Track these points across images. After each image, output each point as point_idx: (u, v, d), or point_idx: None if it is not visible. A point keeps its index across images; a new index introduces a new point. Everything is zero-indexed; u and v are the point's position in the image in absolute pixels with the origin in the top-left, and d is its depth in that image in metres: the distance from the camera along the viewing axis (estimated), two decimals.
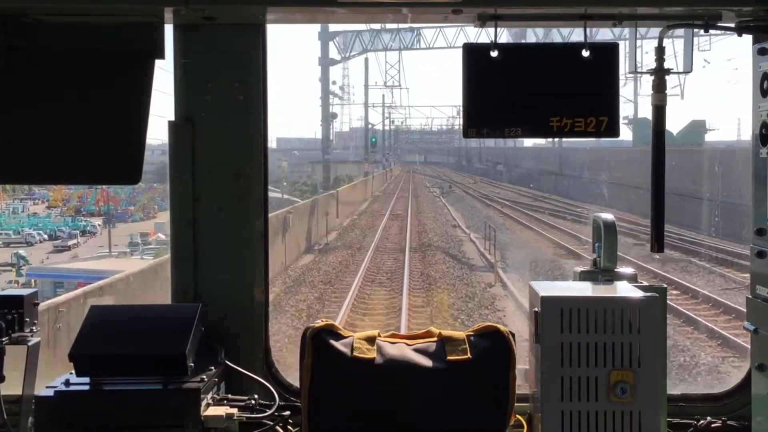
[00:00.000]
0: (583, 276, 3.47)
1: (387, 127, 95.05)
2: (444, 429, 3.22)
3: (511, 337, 3.29)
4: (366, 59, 71.75)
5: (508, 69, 3.46)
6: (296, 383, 3.51)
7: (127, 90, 3.41)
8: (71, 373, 3.21)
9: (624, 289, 3.24)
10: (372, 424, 3.20)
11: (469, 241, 30.70)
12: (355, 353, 3.24)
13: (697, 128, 50.72)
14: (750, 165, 3.60)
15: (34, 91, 3.42)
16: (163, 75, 3.72)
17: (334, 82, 75.96)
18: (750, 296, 3.58)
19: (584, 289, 3.30)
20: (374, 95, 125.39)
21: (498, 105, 3.48)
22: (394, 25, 55.69)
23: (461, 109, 3.50)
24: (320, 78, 67.36)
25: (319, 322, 3.33)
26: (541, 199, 46.64)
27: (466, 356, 3.24)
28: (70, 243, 42.06)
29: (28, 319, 3.29)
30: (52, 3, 3.38)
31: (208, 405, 3.20)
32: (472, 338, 3.31)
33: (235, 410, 3.24)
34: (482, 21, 3.45)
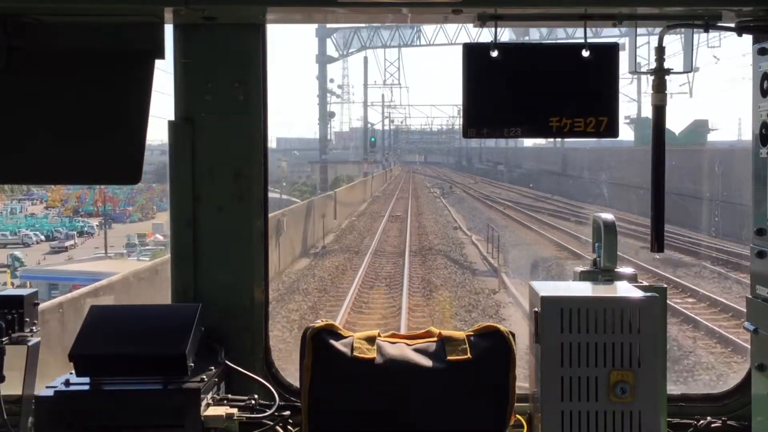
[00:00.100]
0: (583, 276, 3.47)
1: (387, 127, 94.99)
2: (444, 429, 3.22)
3: (511, 337, 3.29)
4: (365, 58, 71.67)
5: (508, 69, 3.46)
6: (296, 383, 3.52)
7: (127, 90, 3.41)
8: (71, 373, 3.21)
9: (624, 289, 3.24)
10: (372, 424, 3.20)
11: (471, 244, 30.13)
12: (355, 353, 3.24)
13: (700, 128, 50.56)
14: (750, 165, 3.60)
15: (34, 91, 3.42)
16: (163, 76, 3.72)
17: (332, 80, 75.61)
18: (750, 296, 3.58)
19: (584, 289, 3.30)
20: (374, 94, 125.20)
21: (498, 105, 3.48)
22: None
23: (461, 108, 3.51)
24: (317, 76, 66.91)
25: (319, 322, 3.33)
26: (542, 200, 46.39)
27: (466, 356, 3.24)
28: (67, 244, 41.86)
29: (28, 319, 3.29)
30: (52, 3, 3.38)
31: (208, 405, 3.20)
32: (472, 338, 3.31)
33: (235, 410, 3.24)
34: (482, 21, 3.45)
